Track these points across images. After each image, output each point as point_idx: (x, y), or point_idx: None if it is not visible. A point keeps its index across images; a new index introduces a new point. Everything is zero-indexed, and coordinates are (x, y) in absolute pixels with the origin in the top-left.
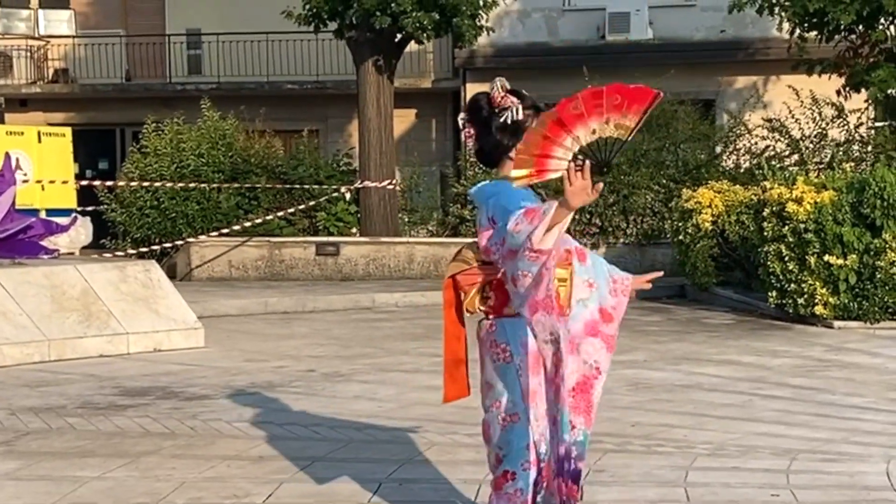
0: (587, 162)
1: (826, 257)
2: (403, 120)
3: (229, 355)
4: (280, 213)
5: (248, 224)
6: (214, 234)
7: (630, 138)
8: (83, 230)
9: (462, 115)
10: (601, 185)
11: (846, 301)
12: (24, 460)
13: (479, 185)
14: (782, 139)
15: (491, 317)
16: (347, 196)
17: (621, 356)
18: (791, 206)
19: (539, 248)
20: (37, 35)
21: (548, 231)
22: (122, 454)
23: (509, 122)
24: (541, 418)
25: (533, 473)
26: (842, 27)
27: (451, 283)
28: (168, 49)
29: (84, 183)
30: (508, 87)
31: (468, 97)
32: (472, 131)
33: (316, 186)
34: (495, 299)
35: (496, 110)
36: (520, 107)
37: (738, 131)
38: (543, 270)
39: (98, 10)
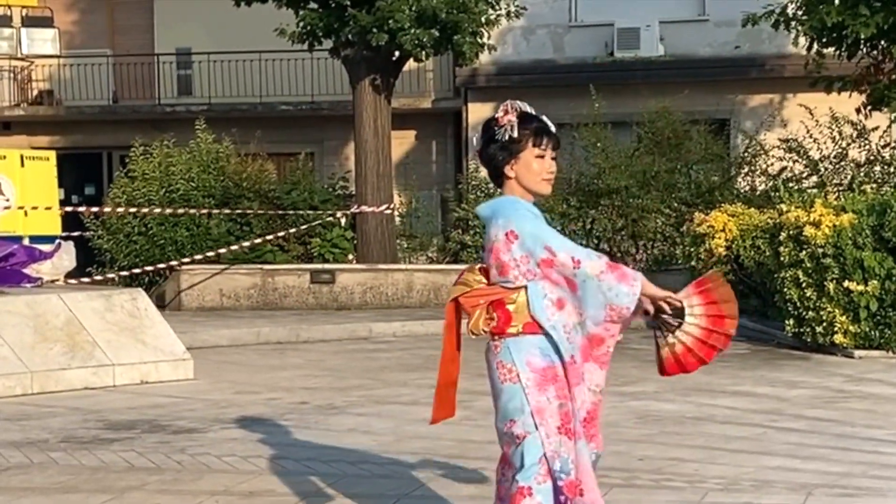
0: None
1: (846, 283)
2: (402, 142)
3: (219, 387)
4: (271, 237)
5: (239, 251)
6: (205, 261)
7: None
8: (66, 256)
9: (475, 135)
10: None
11: (867, 329)
12: (4, 496)
13: (486, 203)
14: (800, 160)
15: (496, 337)
16: (343, 221)
17: (629, 387)
18: (809, 230)
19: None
20: (20, 55)
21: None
22: (106, 489)
23: (503, 138)
24: (552, 434)
25: (550, 485)
26: (861, 42)
27: (454, 307)
28: (157, 69)
29: (69, 209)
30: (525, 109)
31: (470, 117)
32: (479, 145)
33: (310, 212)
34: (499, 319)
35: (497, 127)
36: (515, 124)
37: (754, 151)
38: (608, 337)
39: (84, 29)
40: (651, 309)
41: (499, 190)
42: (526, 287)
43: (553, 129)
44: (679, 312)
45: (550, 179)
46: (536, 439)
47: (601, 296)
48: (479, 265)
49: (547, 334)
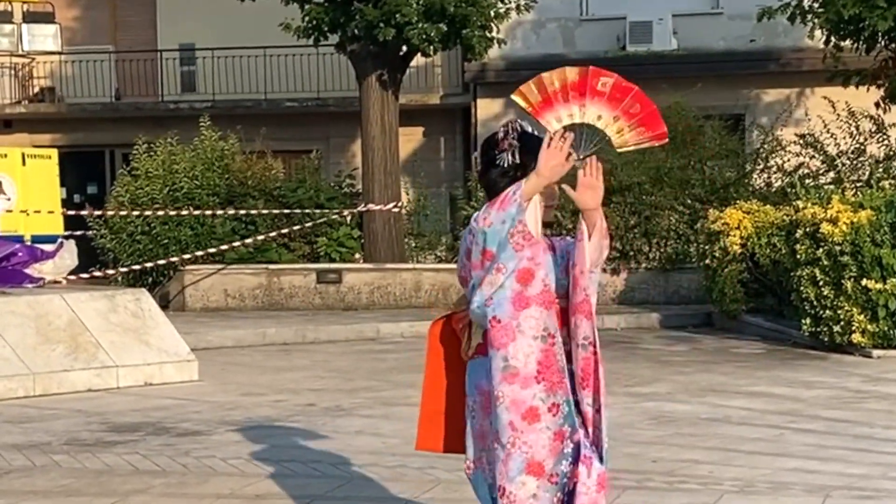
0: (570, 135)
1: (864, 281)
2: (410, 138)
3: (224, 389)
4: (276, 236)
5: (244, 250)
6: (209, 260)
7: (610, 147)
8: (68, 255)
9: (475, 153)
10: (574, 160)
11: (886, 328)
12: (6, 499)
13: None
14: (817, 155)
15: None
16: (350, 220)
17: (642, 388)
18: (826, 227)
19: (524, 232)
20: (21, 51)
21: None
22: (109, 493)
23: (504, 165)
24: (488, 466)
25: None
26: (879, 35)
27: (440, 329)
28: (160, 65)
29: (72, 212)
30: (526, 128)
31: (479, 113)
32: (480, 167)
33: (317, 210)
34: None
35: (497, 151)
36: (517, 150)
37: (770, 147)
38: (533, 266)
39: (86, 25)
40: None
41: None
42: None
43: None
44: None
45: (553, 206)
46: (478, 470)
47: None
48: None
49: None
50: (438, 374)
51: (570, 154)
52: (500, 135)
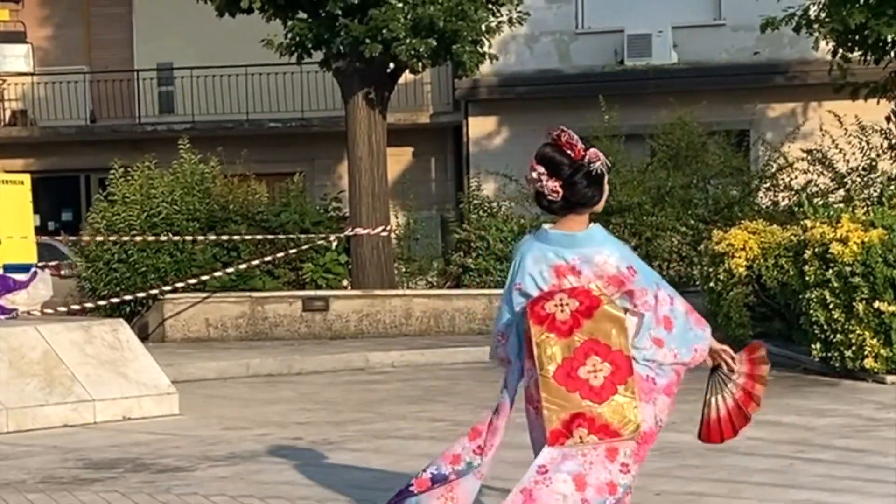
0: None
1: (876, 304)
2: (399, 159)
3: (207, 423)
4: (260, 263)
5: (226, 278)
6: (189, 289)
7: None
8: (42, 285)
9: (537, 172)
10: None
11: None
12: None
13: (585, 231)
14: (825, 172)
15: None
16: (337, 245)
17: None
18: (835, 247)
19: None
20: None
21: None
22: None
23: (597, 174)
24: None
25: None
26: (889, 45)
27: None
28: (137, 86)
29: (45, 239)
30: (546, 156)
31: (471, 132)
32: (555, 186)
33: (302, 235)
34: None
35: (580, 163)
36: (602, 158)
37: (776, 164)
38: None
39: (59, 45)
40: (710, 361)
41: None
42: (643, 315)
43: None
44: (731, 372)
45: None
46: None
47: (688, 333)
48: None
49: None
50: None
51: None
52: (579, 146)
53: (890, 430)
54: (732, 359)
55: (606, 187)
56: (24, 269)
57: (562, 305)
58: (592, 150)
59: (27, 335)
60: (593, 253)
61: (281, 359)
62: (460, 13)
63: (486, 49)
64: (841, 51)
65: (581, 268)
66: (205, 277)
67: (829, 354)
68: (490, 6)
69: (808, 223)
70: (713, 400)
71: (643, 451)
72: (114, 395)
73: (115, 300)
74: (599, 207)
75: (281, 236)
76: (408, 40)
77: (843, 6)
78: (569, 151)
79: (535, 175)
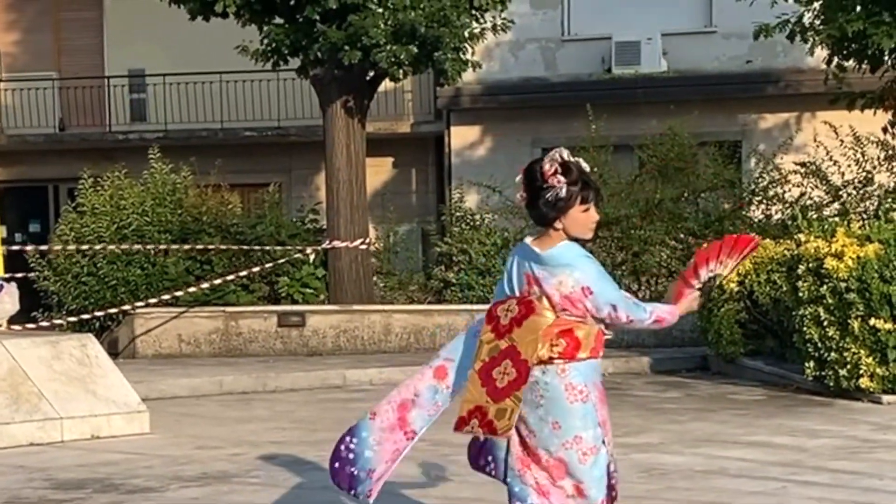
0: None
1: (872, 321)
2: (378, 170)
3: (178, 442)
4: (234, 277)
5: (199, 292)
6: (161, 304)
7: (725, 272)
8: (8, 298)
9: (519, 177)
10: (702, 300)
11: None
12: None
13: (554, 250)
14: (820, 185)
15: (563, 362)
16: (314, 258)
17: (632, 438)
18: (830, 262)
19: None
20: None
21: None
22: None
23: (552, 199)
24: (610, 444)
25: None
26: (886, 54)
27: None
28: (107, 93)
29: (15, 248)
30: (565, 157)
31: (453, 142)
32: (525, 195)
33: (278, 248)
34: (566, 346)
35: (544, 185)
36: (565, 186)
37: (770, 176)
38: None
39: (27, 50)
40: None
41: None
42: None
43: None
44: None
45: (593, 227)
46: (605, 451)
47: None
48: (537, 296)
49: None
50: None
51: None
52: (548, 169)
53: (886, 452)
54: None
55: (582, 216)
56: None
57: (507, 311)
58: (560, 178)
59: None
60: (553, 272)
61: (255, 376)
62: (442, 19)
63: (469, 56)
64: (836, 59)
65: (542, 281)
66: (178, 293)
67: (824, 373)
68: (473, 12)
69: (802, 237)
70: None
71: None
72: (82, 413)
73: (85, 316)
74: (572, 231)
75: (256, 249)
76: (388, 47)
77: (839, 13)
78: (544, 168)
79: (517, 180)
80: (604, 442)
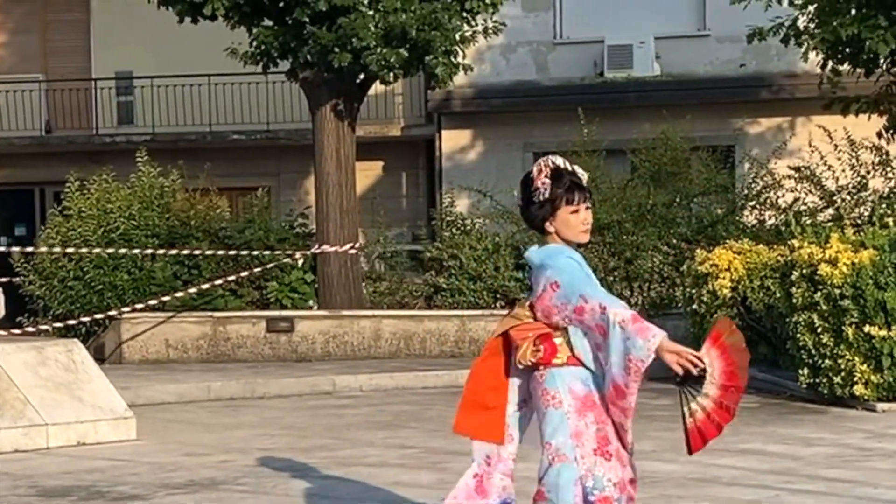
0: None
1: (866, 328)
2: (368, 173)
3: (165, 449)
4: (223, 281)
5: (187, 297)
6: (148, 309)
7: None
8: None
9: (515, 190)
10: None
11: (891, 379)
12: None
13: (532, 249)
14: (814, 190)
15: (542, 367)
16: (303, 263)
17: None
18: (824, 269)
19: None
20: None
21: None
22: None
23: (539, 200)
24: (587, 456)
25: None
26: (881, 59)
27: (503, 339)
28: (94, 95)
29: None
30: (559, 163)
31: (444, 146)
32: (520, 201)
33: (266, 252)
34: (545, 351)
35: (533, 188)
36: (550, 187)
37: (763, 182)
38: (629, 393)
39: (12, 52)
40: (679, 371)
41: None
42: (567, 329)
43: (584, 181)
44: (702, 374)
45: (587, 230)
46: (573, 462)
47: (622, 345)
48: (528, 301)
49: (588, 367)
50: (490, 375)
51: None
52: (535, 172)
53: (881, 460)
54: (698, 359)
55: (572, 218)
56: None
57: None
58: (545, 179)
59: None
60: (535, 277)
61: (244, 382)
62: (434, 22)
63: (460, 59)
64: (831, 63)
65: (534, 287)
66: (166, 298)
67: (818, 381)
68: (465, 15)
69: (796, 243)
70: (686, 412)
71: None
72: (68, 420)
73: (71, 322)
74: (564, 234)
75: (244, 254)
76: (378, 50)
77: (834, 16)
78: (534, 171)
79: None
80: (577, 458)
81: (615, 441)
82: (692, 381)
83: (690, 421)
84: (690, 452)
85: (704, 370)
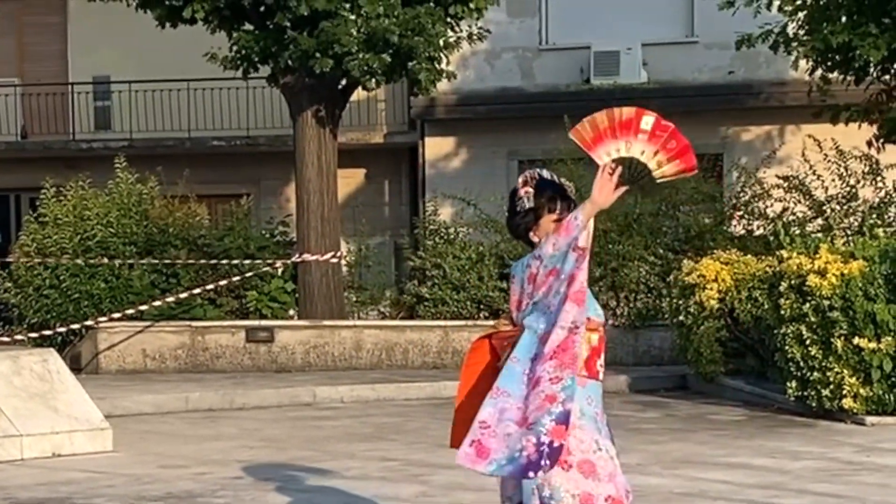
0: (619, 168)
1: (856, 340)
2: (350, 181)
3: (142, 460)
4: (201, 290)
5: (165, 306)
6: (125, 318)
7: (654, 179)
8: None
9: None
10: (622, 189)
11: (880, 392)
12: None
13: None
14: (803, 200)
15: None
16: (283, 272)
17: None
18: (813, 280)
19: (584, 246)
20: None
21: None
22: None
23: (521, 209)
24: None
25: None
26: (871, 66)
27: (486, 344)
28: (71, 100)
29: None
30: (544, 175)
31: (427, 153)
32: (508, 213)
33: (246, 261)
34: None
35: (516, 197)
36: (531, 196)
37: (752, 191)
38: (577, 271)
39: None
40: (614, 174)
41: None
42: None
43: (569, 191)
44: (639, 167)
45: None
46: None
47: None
48: (504, 316)
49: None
50: (477, 384)
51: (618, 184)
52: (519, 183)
53: (869, 474)
54: (612, 163)
55: (554, 227)
56: None
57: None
58: (527, 188)
59: None
60: (524, 273)
61: (222, 392)
62: (417, 27)
63: (444, 66)
64: (821, 71)
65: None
66: (143, 307)
67: (806, 393)
68: (449, 20)
69: (785, 253)
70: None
71: (570, 355)
72: (43, 430)
73: (47, 332)
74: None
75: (224, 262)
76: (361, 55)
77: (824, 24)
78: (518, 182)
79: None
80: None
81: (579, 454)
82: (636, 172)
83: (667, 168)
84: (688, 172)
85: (632, 161)
